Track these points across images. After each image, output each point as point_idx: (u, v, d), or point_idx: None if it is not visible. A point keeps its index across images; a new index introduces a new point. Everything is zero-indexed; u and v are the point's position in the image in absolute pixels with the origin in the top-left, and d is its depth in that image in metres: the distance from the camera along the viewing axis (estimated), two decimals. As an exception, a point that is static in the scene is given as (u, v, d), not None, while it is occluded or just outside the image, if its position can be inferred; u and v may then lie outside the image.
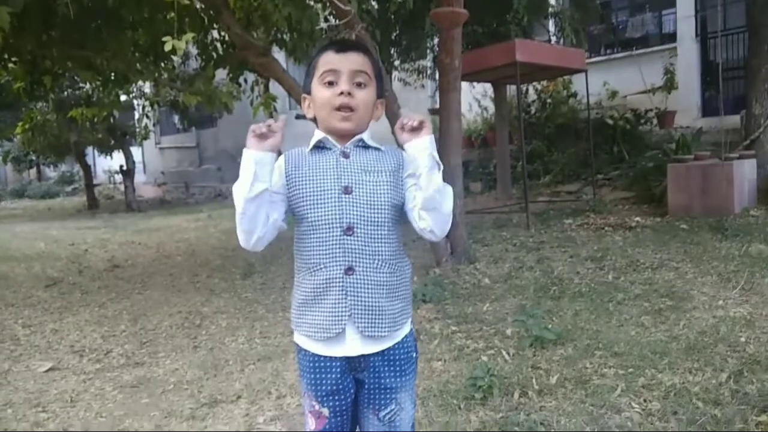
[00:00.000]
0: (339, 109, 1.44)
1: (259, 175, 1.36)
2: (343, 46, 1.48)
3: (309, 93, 1.51)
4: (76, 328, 4.40)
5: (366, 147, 1.49)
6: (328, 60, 1.46)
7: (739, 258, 4.58)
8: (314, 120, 1.53)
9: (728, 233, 5.32)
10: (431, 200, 1.41)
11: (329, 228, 1.43)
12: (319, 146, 1.49)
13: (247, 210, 1.38)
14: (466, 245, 5.28)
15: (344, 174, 1.44)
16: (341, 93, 1.43)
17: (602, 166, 9.15)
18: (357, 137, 1.48)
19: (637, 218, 6.61)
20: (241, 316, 4.41)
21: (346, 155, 1.46)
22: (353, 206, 1.43)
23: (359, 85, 1.45)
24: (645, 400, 2.49)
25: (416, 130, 1.40)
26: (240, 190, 1.38)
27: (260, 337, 3.88)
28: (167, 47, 3.26)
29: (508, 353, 3.15)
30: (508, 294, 4.28)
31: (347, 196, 1.43)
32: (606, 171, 9.12)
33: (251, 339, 3.86)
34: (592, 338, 3.24)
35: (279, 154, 1.45)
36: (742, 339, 3.05)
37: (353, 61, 1.45)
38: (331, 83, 1.44)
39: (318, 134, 1.50)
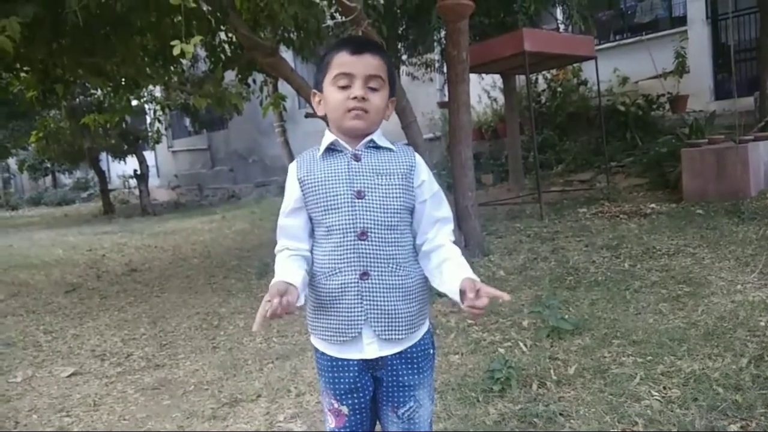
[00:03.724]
0: (352, 110, 1.43)
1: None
2: (358, 47, 1.45)
3: (320, 90, 1.50)
4: (96, 333, 4.47)
5: (377, 148, 1.48)
6: (343, 62, 1.43)
7: (757, 241, 4.53)
8: (324, 118, 1.52)
9: (745, 217, 5.26)
10: (432, 280, 1.50)
11: (343, 233, 1.43)
12: (331, 149, 1.48)
13: None
14: (479, 238, 5.27)
15: (356, 178, 1.44)
16: (355, 98, 1.42)
17: (615, 154, 9.06)
18: (368, 138, 1.47)
19: (652, 205, 6.54)
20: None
21: (357, 158, 1.46)
22: (366, 211, 1.42)
23: (373, 89, 1.44)
24: (664, 388, 2.47)
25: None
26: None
27: (278, 336, 3.90)
28: (176, 51, 3.28)
29: (525, 345, 3.15)
30: (523, 285, 4.27)
31: (360, 200, 1.42)
32: (619, 158, 9.04)
33: (269, 338, 3.89)
34: (609, 327, 3.23)
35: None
36: (762, 323, 3.02)
37: (368, 64, 1.43)
38: (344, 87, 1.43)
39: (329, 136, 1.48)
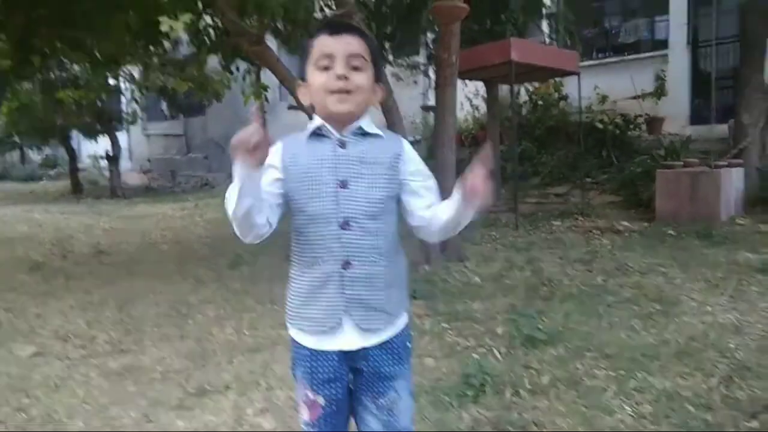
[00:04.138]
0: (335, 92, 1.39)
1: (246, 189, 1.29)
2: (337, 28, 1.43)
3: (304, 80, 1.47)
4: (60, 314, 4.33)
5: (365, 135, 1.45)
6: (323, 44, 1.41)
7: (727, 265, 4.63)
8: (311, 108, 1.47)
9: (715, 240, 5.38)
10: (454, 226, 1.43)
11: (326, 222, 1.40)
12: (317, 133, 1.44)
13: (237, 217, 1.33)
14: (457, 243, 5.27)
15: (341, 166, 1.41)
16: (337, 77, 1.38)
17: (591, 170, 9.20)
18: (355, 124, 1.44)
19: (625, 222, 6.66)
20: (229, 307, 4.36)
21: (343, 145, 1.42)
22: (349, 200, 1.40)
23: (355, 68, 1.40)
24: (637, 403, 2.49)
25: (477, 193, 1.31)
26: (231, 198, 1.31)
27: (249, 329, 3.83)
28: (164, 27, 3.20)
29: (500, 352, 3.14)
30: (498, 293, 4.28)
31: (344, 190, 1.40)
32: (594, 175, 9.18)
33: (239, 330, 3.81)
34: (582, 339, 3.24)
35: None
36: (732, 345, 3.07)
37: (348, 43, 1.40)
38: (326, 68, 1.40)
39: (316, 120, 1.45)
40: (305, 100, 1.48)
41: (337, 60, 1.39)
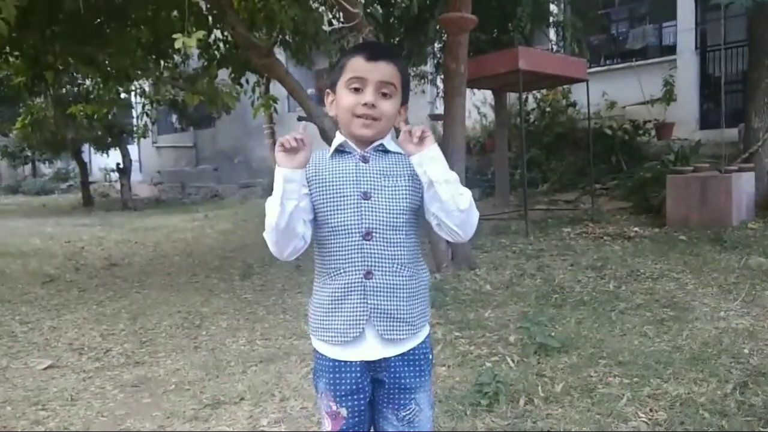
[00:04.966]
0: (360, 117, 1.43)
1: (289, 193, 1.36)
2: (374, 53, 1.45)
3: (334, 91, 1.50)
4: (74, 326, 4.37)
5: (386, 152, 1.49)
6: (357, 66, 1.43)
7: (739, 270, 4.60)
8: (334, 123, 1.52)
9: (727, 245, 5.35)
10: (452, 208, 1.41)
11: (348, 233, 1.43)
12: (340, 150, 1.49)
13: (279, 226, 1.37)
14: (467, 251, 5.28)
15: (363, 179, 1.45)
16: (365, 104, 1.42)
17: (600, 176, 9.17)
18: (377, 143, 1.48)
19: (636, 228, 6.62)
20: (242, 317, 4.39)
21: (365, 160, 1.46)
22: (372, 212, 1.43)
23: (385, 95, 1.44)
24: (651, 410, 2.48)
25: (421, 140, 1.39)
26: (272, 208, 1.37)
27: (261, 339, 3.85)
28: (177, 44, 3.24)
29: (513, 360, 3.14)
30: (509, 301, 4.28)
31: (366, 201, 1.43)
32: (604, 181, 9.15)
33: (252, 340, 3.84)
34: (595, 347, 3.24)
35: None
36: (746, 351, 3.06)
37: (382, 71, 1.43)
38: (356, 89, 1.43)
39: (339, 138, 1.50)
40: (331, 111, 1.53)
41: (368, 86, 1.42)
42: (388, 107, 1.44)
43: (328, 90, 1.53)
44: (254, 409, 2.79)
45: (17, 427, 2.75)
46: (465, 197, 1.42)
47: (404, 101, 1.51)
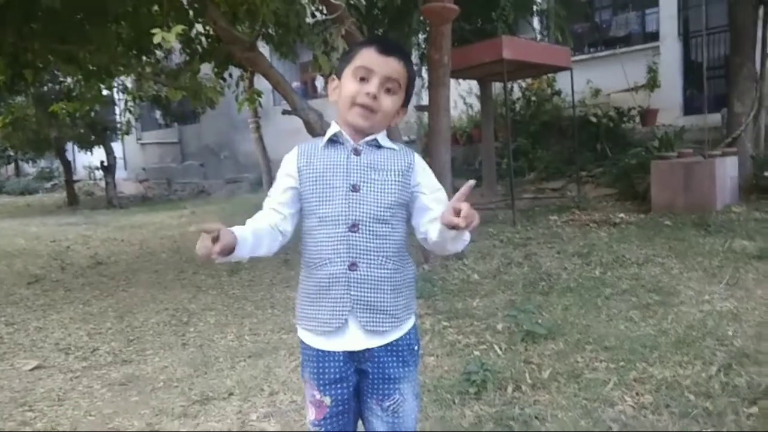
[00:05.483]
0: (360, 106, 1.44)
1: (239, 257, 1.38)
2: (387, 48, 1.47)
3: (339, 77, 1.51)
4: (60, 326, 4.34)
5: (379, 146, 1.50)
6: (367, 56, 1.45)
7: (723, 254, 4.65)
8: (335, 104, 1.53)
9: (711, 229, 5.40)
10: (441, 249, 1.48)
11: (335, 224, 1.45)
12: (333, 140, 1.50)
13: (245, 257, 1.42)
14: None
15: (353, 171, 1.46)
16: (368, 93, 1.43)
17: (586, 164, 9.22)
18: (371, 137, 1.49)
19: (621, 215, 6.67)
20: (230, 313, 4.38)
21: (357, 152, 1.48)
22: (360, 204, 1.44)
23: (388, 90, 1.46)
24: (637, 394, 2.51)
25: (468, 225, 1.27)
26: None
27: (250, 334, 3.84)
28: (156, 39, 3.21)
29: (500, 348, 3.16)
30: (497, 289, 4.30)
31: (355, 193, 1.45)
32: (589, 168, 9.20)
33: (241, 336, 3.83)
34: (582, 333, 3.27)
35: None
36: (730, 333, 3.09)
37: (390, 66, 1.45)
38: (362, 79, 1.45)
39: (334, 127, 1.50)
40: (332, 96, 1.54)
41: (374, 78, 1.44)
42: (388, 103, 1.46)
43: (333, 76, 1.55)
44: (243, 404, 2.78)
45: (4, 428, 2.73)
46: (465, 243, 1.43)
47: (405, 103, 1.53)
